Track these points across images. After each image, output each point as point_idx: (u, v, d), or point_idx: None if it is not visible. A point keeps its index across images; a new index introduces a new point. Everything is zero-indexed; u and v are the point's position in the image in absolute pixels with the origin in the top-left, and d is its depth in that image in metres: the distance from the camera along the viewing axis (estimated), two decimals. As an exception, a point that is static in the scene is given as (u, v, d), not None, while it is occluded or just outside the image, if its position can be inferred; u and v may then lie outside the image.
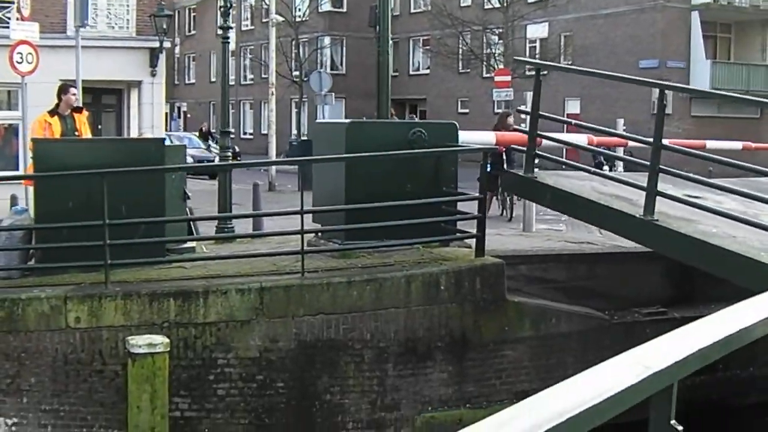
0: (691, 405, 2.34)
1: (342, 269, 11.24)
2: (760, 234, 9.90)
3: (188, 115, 75.44)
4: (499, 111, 44.33)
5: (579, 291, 13.22)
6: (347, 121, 13.23)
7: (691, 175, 11.25)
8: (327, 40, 61.90)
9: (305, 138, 51.87)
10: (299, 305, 10.56)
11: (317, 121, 14.15)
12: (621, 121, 27.46)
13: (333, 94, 36.11)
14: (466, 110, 55.35)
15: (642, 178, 11.11)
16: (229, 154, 16.11)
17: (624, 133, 14.66)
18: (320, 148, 13.03)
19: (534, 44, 52.46)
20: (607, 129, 16.09)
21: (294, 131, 57.80)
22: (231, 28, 16.25)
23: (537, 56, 50.97)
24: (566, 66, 15.26)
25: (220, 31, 16.97)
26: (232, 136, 17.05)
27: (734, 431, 13.11)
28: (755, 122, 45.70)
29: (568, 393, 1.96)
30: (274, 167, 31.22)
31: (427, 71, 59.15)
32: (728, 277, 10.11)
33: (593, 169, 12.25)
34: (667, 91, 11.31)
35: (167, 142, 13.49)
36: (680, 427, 2.37)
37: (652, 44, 44.93)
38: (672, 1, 45.67)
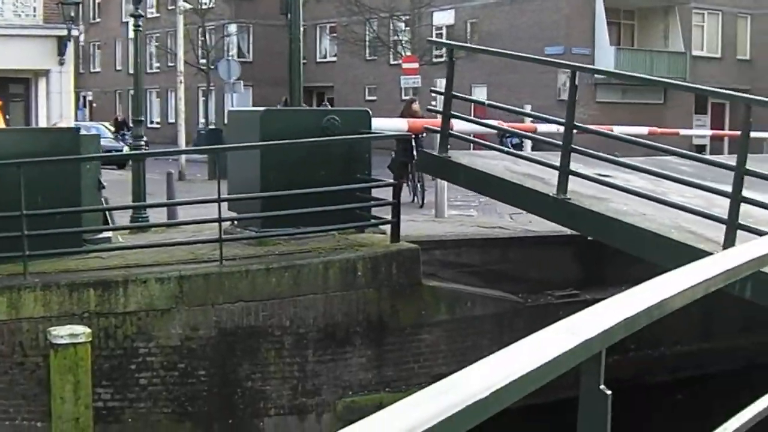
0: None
1: (260, 257, 11.33)
2: (669, 211, 10.18)
3: (94, 105, 74.46)
4: (407, 98, 44.79)
5: (493, 275, 13.46)
6: (262, 109, 13.29)
7: (600, 154, 11.46)
8: (234, 28, 61.55)
9: (213, 127, 51.69)
10: (219, 293, 10.63)
11: (230, 109, 14.18)
12: (528, 107, 27.91)
13: (242, 81, 36.03)
14: (374, 97, 55.52)
15: (552, 158, 11.38)
16: (143, 142, 16.04)
17: (535, 114, 14.83)
18: (235, 136, 13.09)
19: (440, 31, 52.73)
20: (516, 109, 16.42)
21: (202, 120, 57.42)
22: (142, 15, 16.14)
23: (444, 43, 51.38)
24: (479, 47, 15.39)
25: (130, 20, 16.86)
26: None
27: (644, 409, 13.47)
28: (659, 107, 46.62)
29: (500, 363, 2.10)
30: (183, 156, 31.06)
31: (335, 59, 59.20)
32: (640, 255, 10.40)
33: (506, 149, 12.45)
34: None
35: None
36: (609, 392, 2.53)
37: (557, 31, 45.52)
38: (576, -12, 46.42)
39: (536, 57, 17.03)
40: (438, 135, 13.01)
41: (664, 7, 49.09)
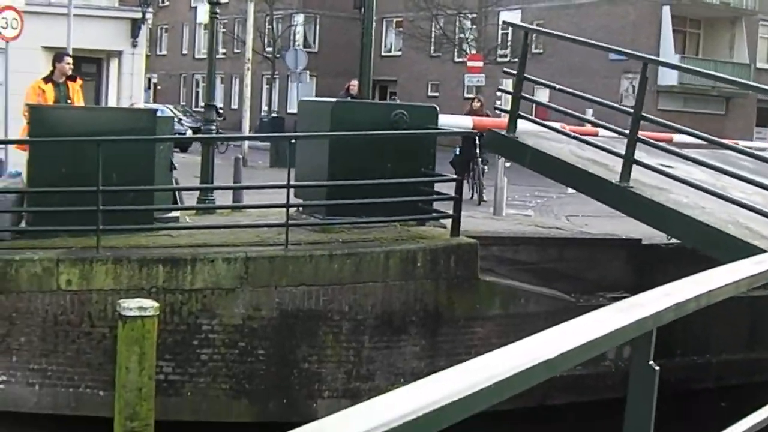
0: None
1: (323, 243, 11.66)
2: (728, 206, 10.30)
3: (158, 87, 75.30)
4: (469, 96, 44.99)
5: (547, 273, 13.72)
6: (333, 100, 13.65)
7: (664, 145, 11.65)
8: (301, 18, 62.05)
9: (275, 115, 52.21)
10: (282, 276, 10.98)
11: (302, 98, 14.52)
12: (590, 111, 28.03)
13: (308, 72, 36.46)
14: (436, 93, 55.72)
15: (618, 146, 11.58)
16: (214, 127, 16.45)
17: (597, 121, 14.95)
18: (306, 125, 13.44)
19: (506, 31, 52.88)
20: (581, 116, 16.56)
21: (264, 108, 57.96)
22: (220, 3, 16.49)
23: (509, 43, 51.45)
24: (557, 33, 15.36)
25: (199, 4, 17.21)
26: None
27: (689, 415, 13.66)
28: (720, 118, 46.47)
29: (567, 331, 2.41)
30: (246, 143, 31.49)
31: (399, 53, 59.50)
32: (695, 246, 10.69)
33: (572, 133, 12.59)
34: (636, 82, 11.78)
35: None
36: (657, 368, 2.84)
37: (622, 36, 45.37)
38: (645, -5, 46.36)
39: (613, 47, 17.01)
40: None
41: (731, 17, 48.84)
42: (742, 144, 20.85)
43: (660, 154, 11.55)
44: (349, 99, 17.88)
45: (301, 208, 12.93)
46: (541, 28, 13.63)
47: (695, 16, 49.39)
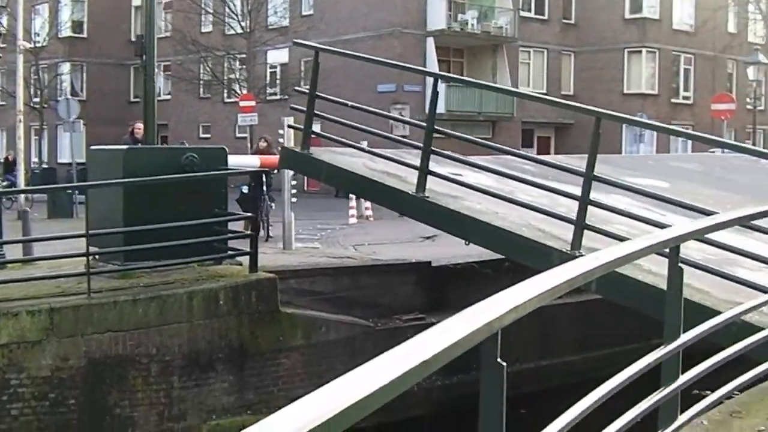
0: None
1: (125, 289, 11.76)
2: (519, 210, 10.87)
3: None
4: (241, 135, 45.28)
5: (344, 301, 14.19)
6: (124, 147, 13.76)
7: (454, 154, 12.11)
8: (67, 66, 61.01)
9: (46, 166, 51.16)
10: (88, 324, 11.04)
11: (92, 147, 14.48)
12: (365, 144, 28.77)
13: (81, 120, 35.95)
14: (208, 135, 55.79)
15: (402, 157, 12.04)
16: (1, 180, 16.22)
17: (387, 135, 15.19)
18: (97, 173, 13.49)
19: (275, 69, 53.47)
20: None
21: (35, 159, 56.62)
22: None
23: (278, 81, 52.06)
24: (345, 52, 15.45)
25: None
26: None
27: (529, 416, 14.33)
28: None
29: (419, 343, 2.74)
30: (21, 196, 30.78)
31: (169, 96, 59.20)
32: (493, 249, 11.27)
33: (365, 147, 12.94)
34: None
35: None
36: (504, 364, 3.26)
37: (390, 69, 46.66)
38: (408, 28, 47.63)
39: (410, 66, 17.51)
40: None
41: (492, 45, 50.76)
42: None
43: (448, 163, 12.00)
44: (134, 144, 17.79)
45: (97, 257, 12.96)
46: (332, 48, 13.92)
47: (458, 46, 51.10)
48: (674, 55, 55.89)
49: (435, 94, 11.73)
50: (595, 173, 9.89)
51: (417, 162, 11.59)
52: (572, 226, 10.04)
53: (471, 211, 11.03)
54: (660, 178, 15.19)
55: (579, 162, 13.82)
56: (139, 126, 17.98)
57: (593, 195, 10.03)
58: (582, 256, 9.30)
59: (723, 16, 52.07)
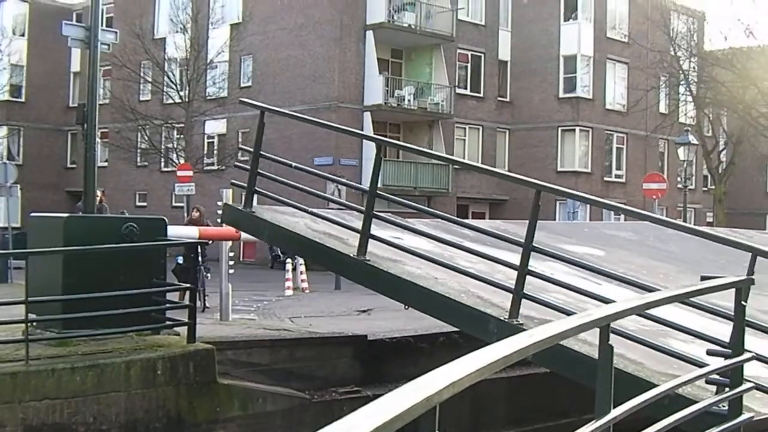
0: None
1: (63, 356, 11.74)
2: (458, 276, 10.94)
3: None
4: (178, 204, 45.26)
5: (282, 373, 14.26)
6: (65, 215, 13.80)
7: (395, 218, 12.21)
8: (4, 130, 60.76)
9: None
10: (25, 391, 11.01)
11: (32, 214, 14.54)
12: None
13: (18, 185, 35.82)
14: (144, 203, 55.77)
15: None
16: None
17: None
18: (37, 239, 13.52)
19: (212, 140, 53.68)
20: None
21: (-34, 224, 56.02)
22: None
23: (215, 151, 52.26)
24: (296, 114, 15.25)
25: None
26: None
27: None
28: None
29: (362, 417, 2.90)
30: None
31: (105, 164, 59.10)
32: (432, 315, 11.22)
33: (305, 207, 12.90)
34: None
35: None
36: (442, 438, 3.45)
37: (326, 142, 47.02)
38: (345, 102, 48.19)
39: (353, 131, 17.65)
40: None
41: (429, 121, 51.45)
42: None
43: (390, 227, 12.08)
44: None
45: (34, 323, 12.95)
46: (278, 108, 14.01)
47: (395, 121, 51.65)
48: (607, 134, 57.10)
49: (378, 159, 11.79)
50: (534, 244, 10.07)
51: (357, 225, 11.71)
52: (510, 294, 10.19)
53: (411, 276, 11.08)
54: (595, 246, 15.50)
55: (516, 228, 14.13)
56: (97, 193, 17.78)
57: (531, 261, 10.19)
58: (519, 324, 9.63)
59: (654, 97, 53.24)
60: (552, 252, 10.58)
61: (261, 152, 13.11)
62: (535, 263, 10.28)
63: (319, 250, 12.11)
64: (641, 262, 14.81)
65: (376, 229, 11.68)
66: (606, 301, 9.52)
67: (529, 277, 10.10)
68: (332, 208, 13.87)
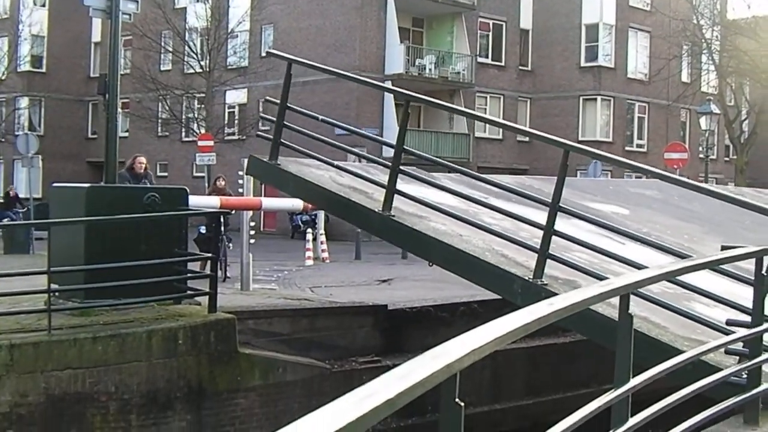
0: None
1: (85, 326, 11.83)
2: (482, 234, 10.80)
3: None
4: (199, 175, 45.32)
5: (302, 343, 14.34)
6: (87, 185, 13.85)
7: (420, 174, 12.02)
8: (25, 101, 60.93)
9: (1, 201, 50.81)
10: (48, 361, 11.11)
11: (54, 185, 14.63)
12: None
13: (39, 156, 35.97)
14: (165, 173, 55.82)
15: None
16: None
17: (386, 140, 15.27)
18: (59, 210, 13.58)
19: (233, 109, 53.71)
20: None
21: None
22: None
23: (236, 121, 52.27)
24: (323, 67, 14.50)
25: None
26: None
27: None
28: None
29: (382, 384, 2.92)
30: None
31: (126, 134, 59.17)
32: (455, 272, 11.03)
33: (330, 160, 12.62)
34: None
35: None
36: (462, 404, 3.47)
37: (347, 111, 46.93)
38: (366, 71, 47.92)
39: (379, 84, 17.66)
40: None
41: (450, 90, 51.28)
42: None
43: (412, 182, 11.86)
44: (134, 179, 17.05)
45: (57, 294, 13.03)
46: (305, 60, 13.64)
47: (416, 90, 50.37)
48: (629, 104, 56.82)
49: (406, 114, 11.51)
50: (560, 204, 9.94)
51: (382, 179, 11.61)
52: (534, 253, 10.07)
53: (435, 233, 10.95)
54: (620, 205, 15.38)
55: (541, 184, 14.04)
56: (141, 160, 17.68)
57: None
58: (544, 284, 9.60)
59: (677, 66, 52.92)
60: (579, 213, 10.38)
61: (288, 104, 12.98)
62: (559, 221, 10.08)
63: (344, 205, 11.95)
64: (665, 222, 14.70)
65: (401, 185, 11.48)
66: (629, 263, 9.51)
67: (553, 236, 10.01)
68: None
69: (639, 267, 9.25)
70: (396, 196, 11.36)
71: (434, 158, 13.12)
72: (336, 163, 12.76)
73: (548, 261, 9.97)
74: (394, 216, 11.27)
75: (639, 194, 17.07)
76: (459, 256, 10.59)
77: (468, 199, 11.31)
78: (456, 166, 12.83)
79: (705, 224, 15.20)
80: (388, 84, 48.20)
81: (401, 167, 11.37)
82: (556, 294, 9.44)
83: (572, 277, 10.01)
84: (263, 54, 51.99)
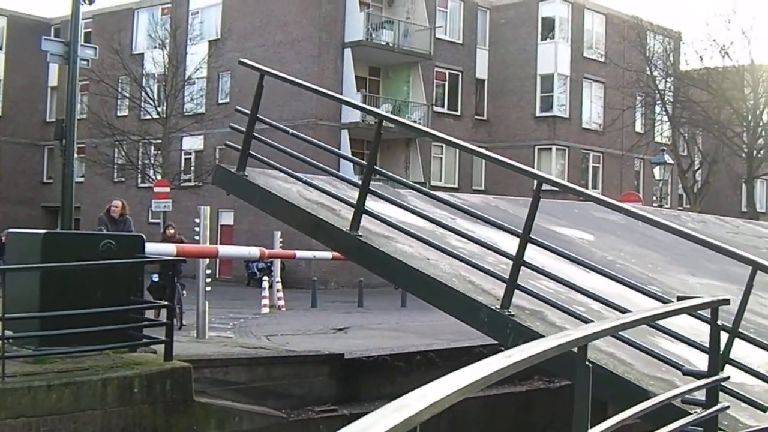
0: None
1: (40, 374, 11.69)
2: (448, 258, 10.60)
3: None
4: (154, 221, 45.12)
5: (258, 392, 14.25)
6: (43, 231, 13.75)
7: (389, 196, 11.80)
8: (-21, 145, 60.67)
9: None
10: (1, 409, 10.92)
11: (10, 230, 14.52)
12: (278, 233, 28.97)
13: (-6, 201, 35.84)
14: (121, 219, 55.37)
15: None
16: None
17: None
18: (14, 256, 13.48)
19: (189, 156, 53.63)
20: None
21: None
22: None
23: (192, 168, 52.14)
24: (293, 79, 13.99)
25: None
26: None
27: None
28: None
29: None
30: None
31: (82, 179, 58.91)
32: (421, 297, 10.84)
33: (298, 174, 12.39)
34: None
35: None
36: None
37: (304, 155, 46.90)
38: (323, 120, 48.21)
39: (351, 101, 17.58)
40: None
41: (406, 139, 51.50)
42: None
43: (381, 201, 11.61)
44: (111, 222, 18.80)
45: (11, 340, 12.89)
46: (275, 72, 13.30)
47: (372, 138, 51.64)
48: (583, 153, 57.35)
49: (378, 134, 11.36)
50: (530, 236, 9.82)
51: (350, 195, 11.46)
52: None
53: (403, 256, 10.75)
54: (585, 229, 15.40)
55: (507, 205, 14.01)
56: (117, 204, 19.23)
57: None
58: (511, 315, 9.57)
59: (630, 116, 53.58)
60: (550, 246, 10.26)
61: (258, 116, 12.78)
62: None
63: (311, 222, 11.70)
64: (630, 250, 14.76)
65: (369, 201, 11.25)
66: (595, 298, 9.63)
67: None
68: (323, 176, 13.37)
69: (604, 301, 9.39)
70: (366, 216, 11.17)
71: (404, 180, 13.05)
72: (304, 177, 12.46)
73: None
74: (361, 236, 11.06)
75: (603, 219, 17.04)
76: (425, 281, 10.38)
77: (435, 223, 11.10)
78: (424, 189, 12.70)
79: (668, 253, 15.23)
80: (344, 133, 48.52)
81: (370, 187, 11.15)
82: (522, 326, 9.53)
83: (539, 307, 9.98)
84: (221, 100, 52.16)
